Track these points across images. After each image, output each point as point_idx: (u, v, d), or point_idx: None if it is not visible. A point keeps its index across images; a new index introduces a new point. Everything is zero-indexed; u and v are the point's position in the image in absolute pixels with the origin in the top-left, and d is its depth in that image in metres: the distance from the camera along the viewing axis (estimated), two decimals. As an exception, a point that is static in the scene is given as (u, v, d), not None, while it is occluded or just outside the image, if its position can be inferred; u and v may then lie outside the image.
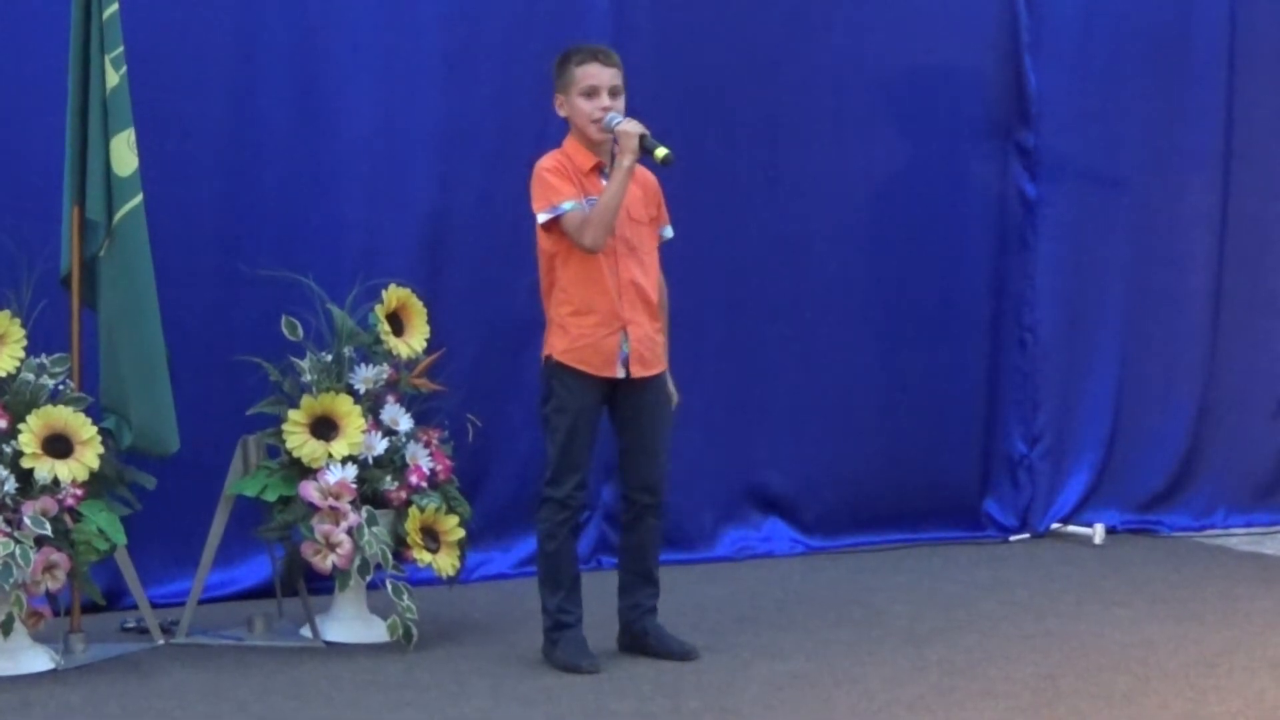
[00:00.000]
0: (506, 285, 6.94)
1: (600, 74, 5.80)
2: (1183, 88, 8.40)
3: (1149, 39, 8.34)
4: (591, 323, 5.76)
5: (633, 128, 5.69)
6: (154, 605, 6.22)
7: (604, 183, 5.75)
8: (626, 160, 5.68)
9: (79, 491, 5.63)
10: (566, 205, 5.70)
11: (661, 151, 5.68)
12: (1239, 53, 8.46)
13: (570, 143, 5.86)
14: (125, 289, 5.87)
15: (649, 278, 5.87)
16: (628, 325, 5.78)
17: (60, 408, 5.68)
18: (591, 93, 5.78)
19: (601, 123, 5.75)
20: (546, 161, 5.81)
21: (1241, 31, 8.46)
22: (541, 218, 5.74)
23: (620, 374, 5.78)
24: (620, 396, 5.85)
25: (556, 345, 5.80)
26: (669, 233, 6.02)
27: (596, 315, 5.76)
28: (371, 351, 6.22)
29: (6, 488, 5.54)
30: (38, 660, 5.72)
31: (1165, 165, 8.39)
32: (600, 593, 6.12)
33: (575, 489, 5.81)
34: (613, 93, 5.79)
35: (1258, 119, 8.51)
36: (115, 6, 5.82)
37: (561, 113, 5.87)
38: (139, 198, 5.85)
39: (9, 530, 5.48)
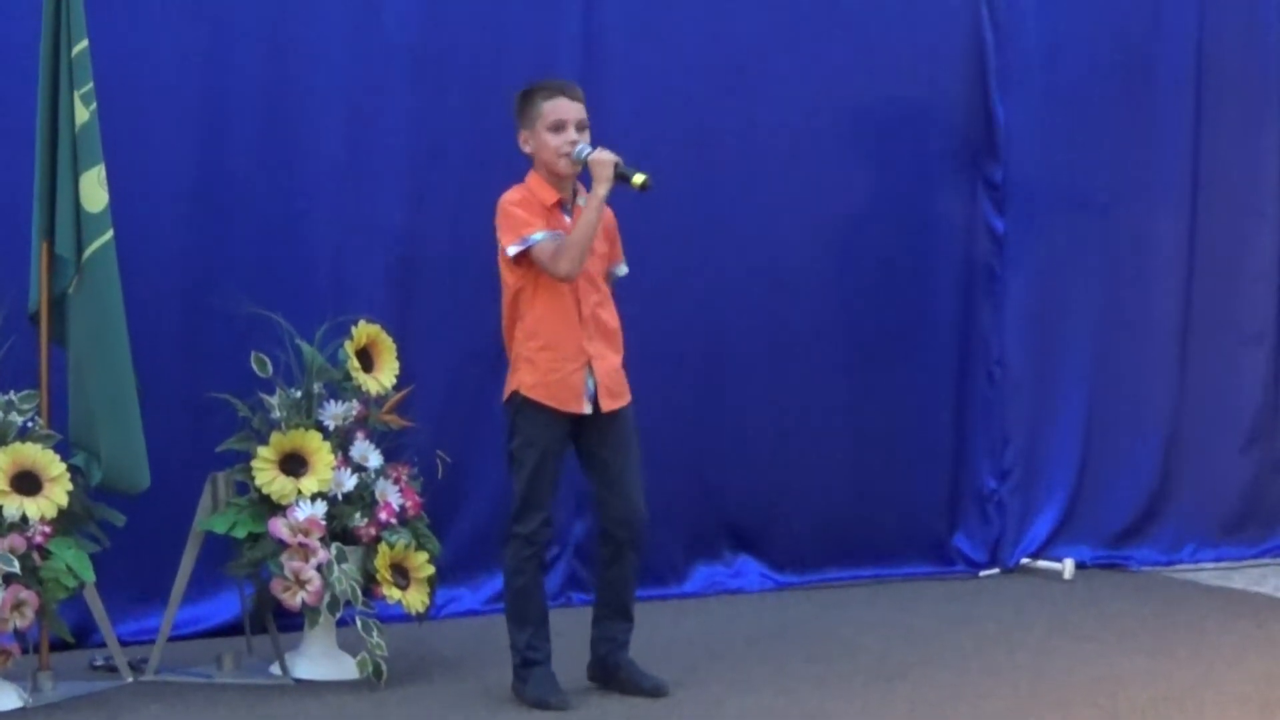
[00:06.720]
0: (476, 320, 6.89)
1: (569, 108, 5.79)
2: (1150, 117, 8.42)
3: (1115, 68, 8.36)
4: (560, 357, 5.75)
5: (607, 156, 5.69)
6: (123, 643, 6.19)
7: (566, 219, 5.75)
8: (602, 189, 5.68)
9: (47, 529, 5.60)
10: (537, 236, 5.69)
11: (639, 178, 5.67)
12: (1206, 81, 8.47)
13: (533, 178, 5.85)
14: (95, 325, 5.84)
15: (608, 310, 5.87)
16: (593, 359, 5.77)
17: (29, 444, 5.66)
18: (559, 127, 5.77)
19: (571, 155, 5.75)
20: (512, 195, 5.80)
21: (1208, 60, 8.47)
22: (511, 250, 5.72)
23: (588, 409, 5.77)
24: (586, 432, 5.84)
25: (525, 380, 5.77)
26: (622, 270, 6.01)
27: (564, 350, 5.75)
28: (341, 388, 6.21)
29: (-26, 525, 5.52)
30: (6, 698, 5.68)
31: (1133, 196, 8.39)
32: (571, 629, 6.11)
33: (541, 525, 5.79)
34: (579, 126, 5.79)
35: (1225, 148, 8.52)
36: (85, 43, 5.81)
37: (526, 149, 5.85)
38: (109, 234, 5.83)
39: (-23, 568, 5.46)
